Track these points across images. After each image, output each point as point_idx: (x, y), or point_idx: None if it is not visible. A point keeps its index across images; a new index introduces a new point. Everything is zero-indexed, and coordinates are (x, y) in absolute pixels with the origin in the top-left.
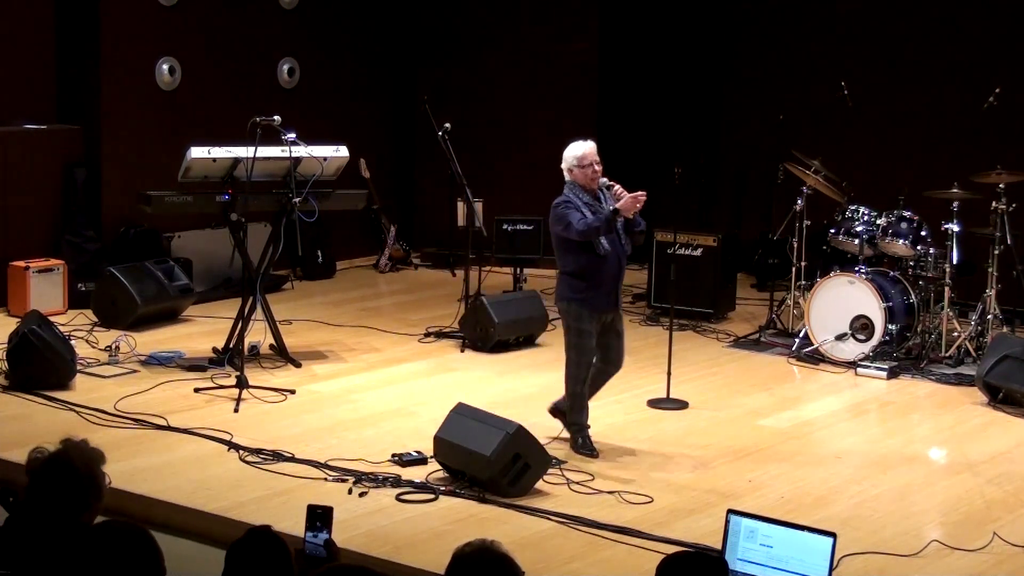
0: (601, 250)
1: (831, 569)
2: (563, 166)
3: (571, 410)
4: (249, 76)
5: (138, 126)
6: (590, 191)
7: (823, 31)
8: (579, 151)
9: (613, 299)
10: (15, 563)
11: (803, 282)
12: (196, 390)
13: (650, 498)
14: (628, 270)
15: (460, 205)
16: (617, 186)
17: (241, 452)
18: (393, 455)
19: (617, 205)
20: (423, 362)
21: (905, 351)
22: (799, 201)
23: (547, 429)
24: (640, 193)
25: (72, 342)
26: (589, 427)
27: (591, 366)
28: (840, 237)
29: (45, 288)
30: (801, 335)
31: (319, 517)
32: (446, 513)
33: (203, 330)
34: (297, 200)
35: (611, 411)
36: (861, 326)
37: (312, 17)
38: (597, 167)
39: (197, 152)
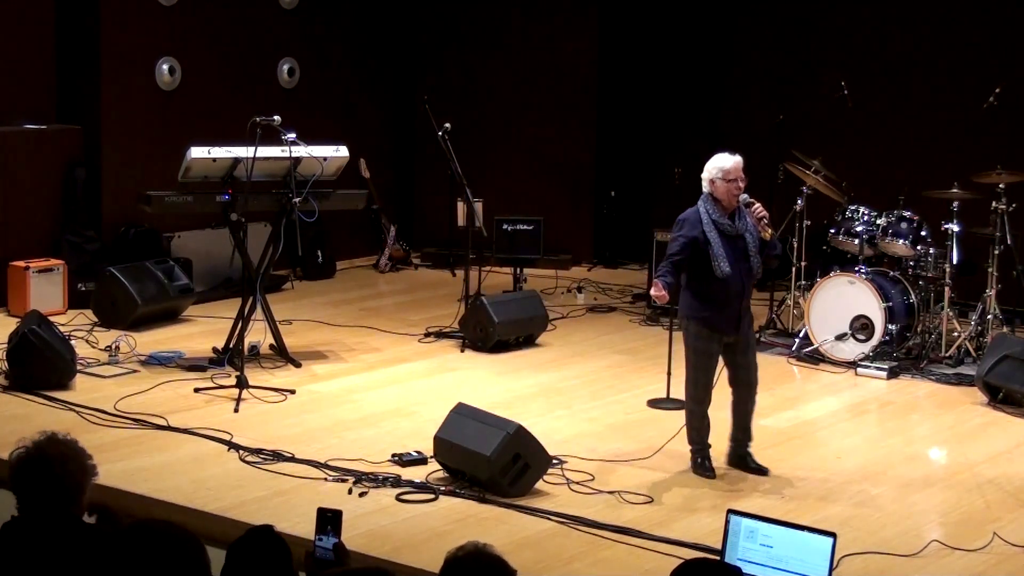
0: (719, 272)
1: (831, 569)
2: (704, 176)
3: (688, 428)
4: (249, 76)
5: (138, 126)
6: (727, 208)
7: (823, 31)
8: (727, 163)
9: (734, 322)
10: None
11: (803, 282)
12: (196, 390)
13: (650, 498)
14: (628, 270)
15: (460, 205)
16: (757, 205)
17: (241, 452)
18: (393, 455)
19: (653, 292)
20: (423, 362)
21: (905, 351)
22: (799, 201)
23: (547, 430)
24: (663, 295)
25: (72, 342)
26: (710, 446)
27: (710, 387)
28: (840, 237)
29: (45, 288)
30: (801, 335)
31: (329, 521)
32: (446, 513)
33: (203, 330)
34: (297, 200)
35: (611, 411)
36: (861, 326)
37: (312, 17)
38: (741, 183)
39: (197, 152)
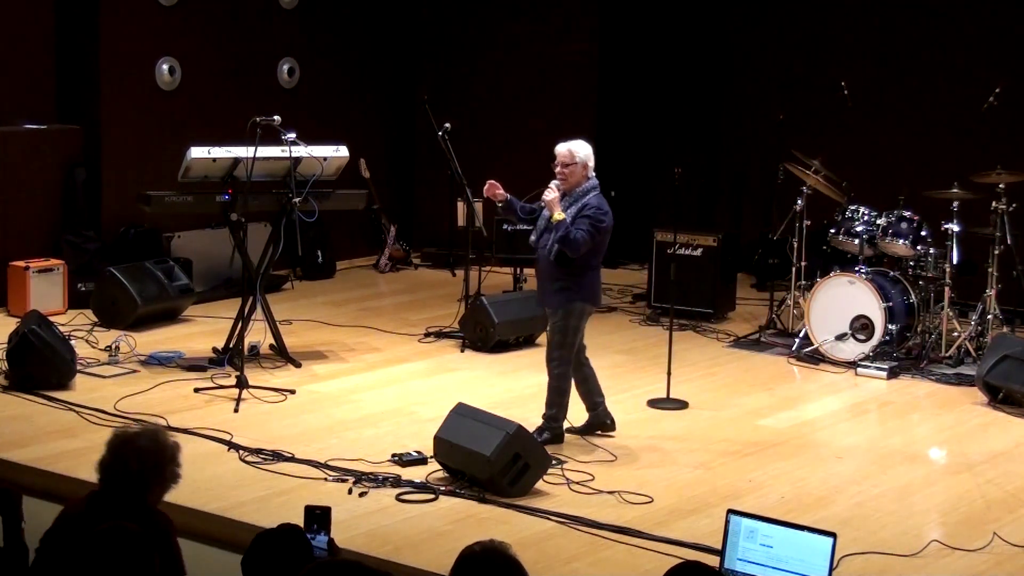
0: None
1: (831, 569)
2: (590, 164)
3: None
4: (249, 76)
5: (138, 126)
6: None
7: (823, 31)
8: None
9: (540, 295)
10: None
11: (803, 282)
12: (196, 390)
13: (650, 498)
14: (628, 270)
15: (460, 205)
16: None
17: (241, 452)
18: (393, 455)
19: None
20: (423, 362)
21: (905, 351)
22: (799, 201)
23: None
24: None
25: (72, 342)
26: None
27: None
28: (840, 237)
29: (45, 288)
30: (801, 335)
31: (317, 519)
32: (446, 513)
33: (203, 330)
34: (297, 200)
35: (611, 411)
36: (861, 326)
37: (312, 17)
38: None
39: (197, 152)
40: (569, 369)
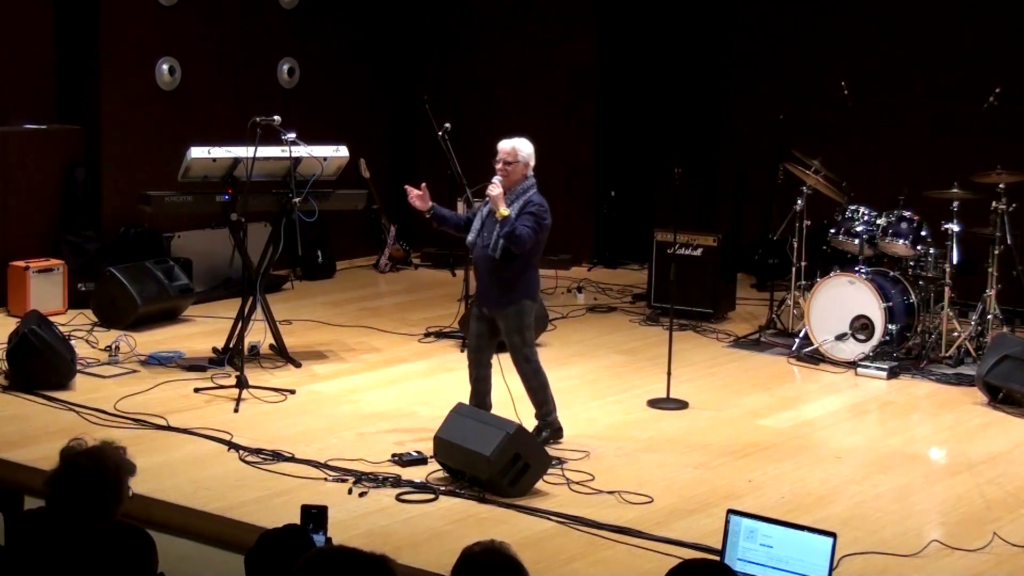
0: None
1: (831, 569)
2: (531, 163)
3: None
4: (249, 76)
5: (138, 126)
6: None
7: (823, 31)
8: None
9: (482, 296)
10: (28, 560)
11: (803, 282)
12: (196, 390)
13: (650, 498)
14: (628, 270)
15: (460, 205)
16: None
17: (241, 452)
18: (393, 455)
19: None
20: (423, 362)
21: (905, 351)
22: (799, 201)
23: None
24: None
25: (72, 342)
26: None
27: (471, 352)
28: (840, 237)
29: (45, 288)
30: (801, 335)
31: (313, 518)
32: (446, 513)
33: (203, 330)
34: (297, 200)
35: (611, 411)
36: (861, 326)
37: (312, 17)
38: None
39: (197, 152)
40: (539, 363)
